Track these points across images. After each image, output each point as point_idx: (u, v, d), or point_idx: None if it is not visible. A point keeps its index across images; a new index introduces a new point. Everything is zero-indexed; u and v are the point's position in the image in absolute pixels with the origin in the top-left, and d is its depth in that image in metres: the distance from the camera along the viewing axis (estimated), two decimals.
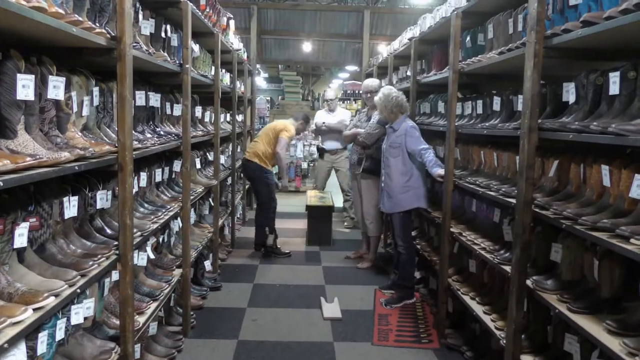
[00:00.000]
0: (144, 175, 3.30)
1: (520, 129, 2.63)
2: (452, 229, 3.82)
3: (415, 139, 4.34)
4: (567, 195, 2.54)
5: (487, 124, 3.34)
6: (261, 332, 3.98)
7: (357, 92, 12.48)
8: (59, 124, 2.24)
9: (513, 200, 2.79)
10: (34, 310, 1.71)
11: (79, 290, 2.01)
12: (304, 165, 11.32)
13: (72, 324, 2.30)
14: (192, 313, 4.04)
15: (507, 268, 2.85)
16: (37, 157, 1.78)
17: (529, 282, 2.59)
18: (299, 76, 17.05)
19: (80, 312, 2.33)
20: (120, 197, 2.45)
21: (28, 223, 1.91)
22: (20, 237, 1.87)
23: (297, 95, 15.27)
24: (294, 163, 11.29)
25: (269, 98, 11.57)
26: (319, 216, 6.57)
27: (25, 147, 1.87)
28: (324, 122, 7.13)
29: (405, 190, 4.40)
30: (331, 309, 4.40)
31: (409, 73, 5.42)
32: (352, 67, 13.64)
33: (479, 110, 3.66)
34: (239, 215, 7.39)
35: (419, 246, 4.78)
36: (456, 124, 3.80)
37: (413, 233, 4.87)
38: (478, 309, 3.31)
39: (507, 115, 3.24)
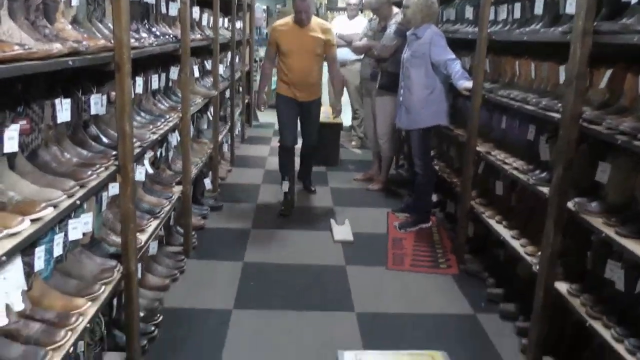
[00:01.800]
0: (139, 81, 3.14)
1: (572, 33, 2.45)
2: (478, 148, 3.71)
3: (441, 48, 4.13)
4: (619, 109, 2.41)
5: (527, 29, 3.15)
6: (268, 254, 3.97)
7: None
8: (46, 13, 2.06)
9: (556, 115, 2.67)
10: (31, 221, 1.62)
11: (78, 202, 1.92)
12: None
13: (70, 239, 2.24)
14: (193, 233, 4.01)
15: (544, 189, 2.77)
16: (26, 47, 1.62)
17: (570, 205, 2.51)
18: None
19: (78, 227, 2.26)
20: (118, 101, 2.31)
21: (18, 125, 1.78)
22: (10, 140, 1.74)
23: None
24: None
25: (265, 7, 11.07)
26: (326, 134, 6.43)
27: (10, 35, 1.71)
28: (336, 33, 6.83)
29: (427, 105, 4.25)
30: (342, 232, 4.37)
31: None
32: None
33: (516, 14, 3.45)
34: (237, 132, 7.26)
35: (437, 167, 4.70)
36: (488, 30, 3.60)
37: (431, 153, 4.76)
38: (505, 233, 3.26)
39: (551, 19, 3.04)
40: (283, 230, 4.43)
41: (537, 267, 2.73)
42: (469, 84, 3.84)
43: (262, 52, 7.94)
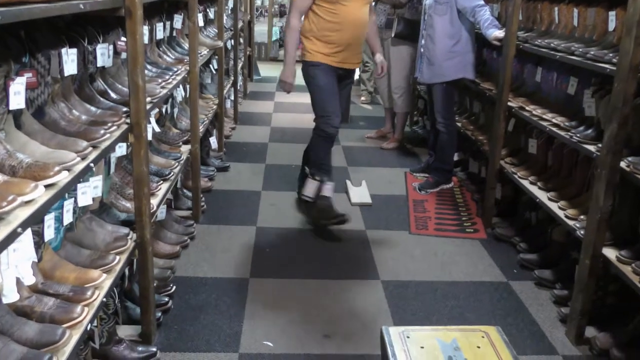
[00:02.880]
0: (144, 30, 2.97)
1: None
2: (509, 104, 3.57)
3: None
4: None
5: None
6: (282, 218, 3.87)
7: None
8: None
9: (607, 66, 2.52)
10: (45, 187, 1.49)
11: (92, 165, 1.79)
12: None
13: (80, 205, 2.12)
14: (201, 196, 3.90)
15: (591, 148, 2.65)
16: None
17: (623, 164, 2.40)
18: None
19: (88, 192, 2.14)
20: (130, 51, 2.16)
21: (24, 78, 1.64)
22: (17, 95, 1.60)
23: None
24: None
25: None
26: None
27: None
28: None
29: (451, 56, 4.08)
30: (359, 194, 4.27)
31: None
32: None
33: None
34: (239, 87, 7.07)
35: (458, 124, 4.57)
36: None
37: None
38: (541, 195, 3.16)
39: None
40: (296, 193, 4.32)
41: (582, 231, 2.64)
42: (500, 33, 3.69)
43: None
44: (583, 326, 2.62)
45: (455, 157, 4.66)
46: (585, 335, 2.63)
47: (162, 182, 2.96)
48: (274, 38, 10.68)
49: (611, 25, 2.76)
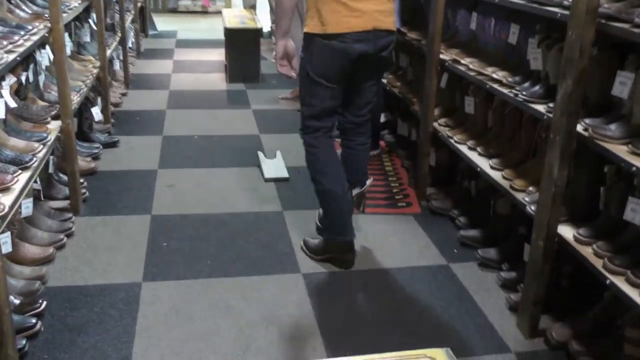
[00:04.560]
0: None
1: None
2: (441, 56, 3.30)
3: None
4: None
5: None
6: (182, 202, 3.50)
7: None
8: None
9: (556, 10, 2.27)
10: None
11: None
12: None
13: None
14: (82, 181, 3.44)
15: (539, 107, 2.41)
16: None
17: (580, 128, 2.17)
18: None
19: None
20: None
21: None
22: None
23: None
24: None
25: None
26: (242, 44, 5.89)
27: None
28: None
29: None
30: (274, 167, 3.95)
31: None
32: None
33: None
34: (130, 45, 6.51)
35: (384, 80, 4.28)
36: None
37: None
38: (482, 163, 2.92)
39: None
40: (199, 170, 3.96)
41: (533, 207, 2.41)
42: None
43: None
44: (537, 317, 2.42)
45: (382, 118, 4.39)
46: (539, 326, 2.43)
47: (20, 171, 2.51)
48: None
49: None
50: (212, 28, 8.60)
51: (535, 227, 2.36)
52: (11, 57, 2.38)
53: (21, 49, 2.49)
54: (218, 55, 6.85)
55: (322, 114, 2.79)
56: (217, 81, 6.04)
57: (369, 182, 3.04)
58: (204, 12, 10.11)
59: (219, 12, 9.23)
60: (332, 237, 2.88)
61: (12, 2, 2.95)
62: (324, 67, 2.65)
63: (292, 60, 2.79)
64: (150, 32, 8.17)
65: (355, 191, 2.94)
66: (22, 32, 2.59)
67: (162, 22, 8.70)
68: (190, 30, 8.60)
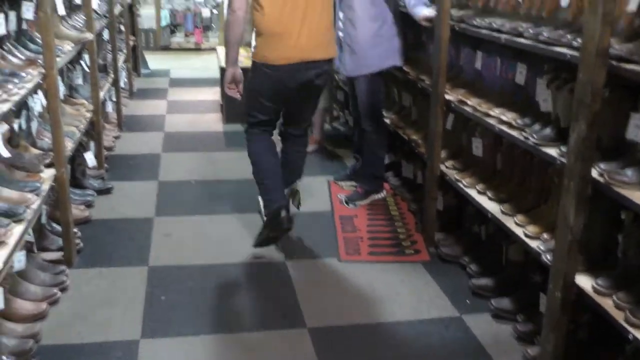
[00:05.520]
0: None
1: None
2: (447, 97, 3.35)
3: None
4: None
5: None
6: (180, 252, 3.50)
7: None
8: None
9: (566, 51, 2.31)
10: None
11: None
12: (205, 12, 10.34)
13: None
14: (75, 231, 3.44)
15: (552, 151, 2.44)
16: None
17: (594, 173, 2.19)
18: None
19: None
20: None
21: None
22: None
23: None
24: (190, 10, 10.32)
25: None
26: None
27: None
28: None
29: (377, 42, 3.82)
30: None
31: None
32: None
33: None
34: (123, 85, 6.57)
35: (387, 120, 4.33)
36: None
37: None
38: (493, 208, 2.94)
39: None
40: (197, 217, 3.97)
41: (549, 256, 2.42)
42: (429, 11, 3.48)
43: None
44: None
45: (386, 160, 4.42)
46: None
47: (13, 224, 2.52)
48: (163, 23, 10.14)
49: (563, 1, 2.57)
50: (205, 66, 8.68)
51: (551, 278, 2.36)
52: (6, 106, 2.41)
53: (16, 98, 2.52)
54: (213, 94, 6.91)
55: (261, 123, 3.49)
56: (213, 122, 6.08)
57: (299, 181, 3.76)
58: (197, 49, 10.22)
59: (212, 49, 9.36)
60: (269, 209, 3.35)
61: (5, 48, 3.00)
62: (265, 89, 3.35)
63: (239, 85, 3.41)
64: (143, 71, 8.24)
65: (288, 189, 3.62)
66: (16, 80, 2.63)
67: (154, 60, 8.78)
68: (184, 69, 8.69)
